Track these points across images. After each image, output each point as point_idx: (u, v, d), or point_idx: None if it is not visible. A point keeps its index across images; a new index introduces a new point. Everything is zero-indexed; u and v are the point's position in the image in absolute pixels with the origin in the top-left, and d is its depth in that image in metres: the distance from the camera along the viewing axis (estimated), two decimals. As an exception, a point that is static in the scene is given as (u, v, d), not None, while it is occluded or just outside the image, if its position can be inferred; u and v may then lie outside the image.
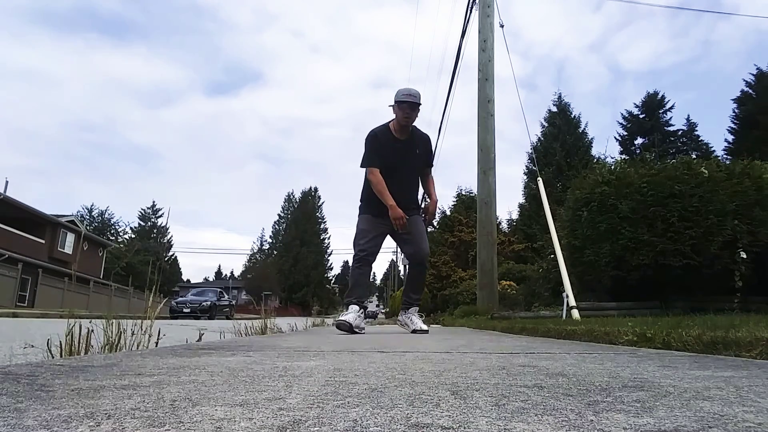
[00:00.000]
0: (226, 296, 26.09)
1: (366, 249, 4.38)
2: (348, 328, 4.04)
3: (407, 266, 4.51)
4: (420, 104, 4.35)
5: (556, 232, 6.76)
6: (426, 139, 4.64)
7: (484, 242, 8.93)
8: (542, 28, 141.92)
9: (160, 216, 60.25)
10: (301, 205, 65.15)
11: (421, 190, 4.85)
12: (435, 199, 4.76)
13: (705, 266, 5.56)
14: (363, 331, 4.26)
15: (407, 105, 4.30)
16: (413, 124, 4.46)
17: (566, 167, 22.01)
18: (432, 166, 4.79)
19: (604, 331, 2.84)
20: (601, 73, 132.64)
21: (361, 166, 4.50)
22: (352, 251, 4.55)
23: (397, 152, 4.41)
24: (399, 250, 4.62)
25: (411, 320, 4.47)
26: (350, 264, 4.83)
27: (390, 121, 4.51)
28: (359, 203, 4.70)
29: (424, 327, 4.43)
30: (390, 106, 4.41)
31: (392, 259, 61.55)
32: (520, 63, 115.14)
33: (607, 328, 2.90)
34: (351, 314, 4.18)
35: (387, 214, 4.33)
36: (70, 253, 29.42)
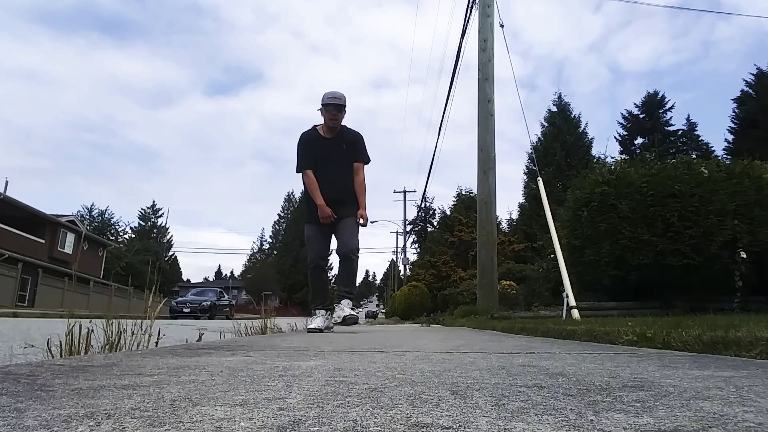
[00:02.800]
0: (226, 296, 26.05)
1: (315, 257, 4.73)
2: (319, 333, 4.33)
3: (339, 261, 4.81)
4: (344, 105, 4.61)
5: (556, 232, 6.76)
6: (356, 135, 4.78)
7: (484, 242, 8.93)
8: (542, 28, 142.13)
9: (160, 216, 60.13)
10: (301, 205, 65.03)
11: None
12: (363, 204, 4.73)
13: (705, 266, 5.55)
14: (332, 330, 4.62)
15: (333, 107, 4.56)
16: (342, 124, 4.69)
17: (566, 167, 21.98)
18: (367, 162, 4.82)
19: (604, 331, 2.84)
20: (601, 73, 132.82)
21: (297, 172, 4.69)
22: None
23: (324, 149, 4.65)
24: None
25: (342, 309, 4.56)
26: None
27: (318, 125, 4.75)
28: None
29: (354, 313, 4.59)
30: (318, 110, 4.64)
31: (392, 259, 61.60)
32: (520, 63, 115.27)
33: (607, 328, 2.90)
34: (318, 319, 4.55)
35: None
36: (70, 253, 29.35)
